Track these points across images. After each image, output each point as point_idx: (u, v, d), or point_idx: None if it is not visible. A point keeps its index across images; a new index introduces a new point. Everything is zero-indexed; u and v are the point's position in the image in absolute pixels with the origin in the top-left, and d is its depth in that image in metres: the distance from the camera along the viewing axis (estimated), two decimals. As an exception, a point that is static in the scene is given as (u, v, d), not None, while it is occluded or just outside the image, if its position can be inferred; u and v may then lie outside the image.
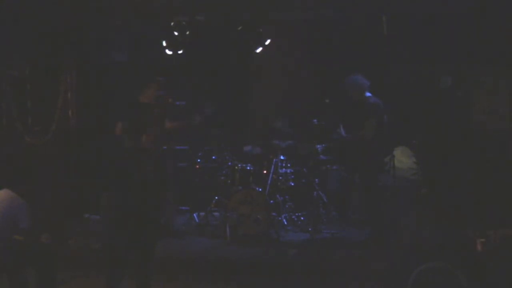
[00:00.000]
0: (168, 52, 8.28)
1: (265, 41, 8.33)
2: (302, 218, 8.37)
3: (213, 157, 8.65)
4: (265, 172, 8.34)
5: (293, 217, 8.33)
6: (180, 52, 8.31)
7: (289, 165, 8.33)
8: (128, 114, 6.77)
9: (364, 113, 7.28)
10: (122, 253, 5.48)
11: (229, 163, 8.35)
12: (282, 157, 8.30)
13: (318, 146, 8.23)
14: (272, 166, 8.26)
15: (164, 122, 6.92)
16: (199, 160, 8.76)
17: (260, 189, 7.97)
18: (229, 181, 8.28)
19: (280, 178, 8.23)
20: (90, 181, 8.02)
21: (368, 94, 7.36)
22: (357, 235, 7.76)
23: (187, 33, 8.13)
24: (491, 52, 7.69)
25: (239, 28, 8.25)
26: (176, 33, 8.10)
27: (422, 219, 6.87)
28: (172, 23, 8.11)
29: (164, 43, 8.22)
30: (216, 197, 8.45)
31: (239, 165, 8.25)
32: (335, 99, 7.80)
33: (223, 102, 9.35)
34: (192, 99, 9.24)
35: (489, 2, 7.51)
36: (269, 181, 8.17)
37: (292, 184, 8.28)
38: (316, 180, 8.22)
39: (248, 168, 8.23)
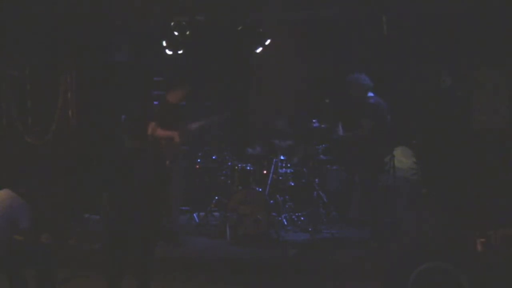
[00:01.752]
0: (168, 52, 8.28)
1: (265, 41, 8.33)
2: (302, 218, 8.36)
3: (213, 157, 8.65)
4: (265, 172, 8.33)
5: (293, 217, 8.33)
6: (180, 52, 8.31)
7: (289, 165, 8.32)
8: (157, 112, 6.92)
9: (362, 112, 7.28)
10: (122, 253, 5.48)
11: (229, 163, 8.34)
12: (282, 157, 8.30)
13: (318, 146, 8.23)
14: (272, 166, 8.26)
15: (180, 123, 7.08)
16: (199, 160, 8.76)
17: (260, 189, 7.96)
18: (229, 181, 8.28)
19: (280, 178, 8.22)
20: (90, 181, 8.02)
21: (370, 94, 7.35)
22: (357, 235, 7.76)
23: (187, 33, 8.13)
24: (491, 52, 7.69)
25: (239, 28, 8.25)
26: (176, 33, 8.10)
27: (422, 219, 6.87)
28: (172, 23, 8.11)
29: (164, 43, 8.22)
30: (216, 197, 8.44)
31: (239, 165, 8.24)
32: (335, 99, 7.80)
33: (223, 102, 9.35)
34: (192, 99, 9.26)
35: (489, 2, 7.51)
36: (269, 181, 8.16)
37: (292, 184, 8.27)
38: (316, 180, 8.22)
39: (248, 168, 8.23)
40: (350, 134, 7.45)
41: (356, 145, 7.39)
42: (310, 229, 7.90)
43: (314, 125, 8.02)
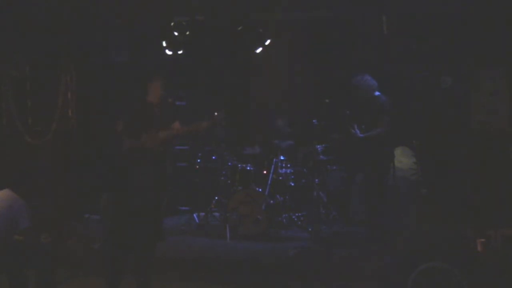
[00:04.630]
0: (168, 52, 8.28)
1: (265, 41, 8.33)
2: (302, 218, 8.36)
3: (213, 157, 8.65)
4: (265, 172, 8.33)
5: (293, 217, 8.33)
6: (180, 52, 8.30)
7: (289, 165, 8.33)
8: (132, 114, 6.72)
9: (375, 111, 7.25)
10: (122, 253, 5.48)
11: (229, 163, 8.35)
12: (282, 157, 8.30)
13: (318, 146, 8.23)
14: (272, 166, 8.26)
15: (170, 122, 6.85)
16: (199, 160, 8.76)
17: (260, 189, 7.96)
18: (229, 181, 8.28)
19: (280, 178, 8.23)
20: (90, 181, 8.02)
21: (377, 93, 7.35)
22: (357, 235, 7.76)
23: (187, 33, 8.13)
24: (491, 52, 7.70)
25: (239, 28, 8.25)
26: (176, 33, 8.10)
27: (422, 219, 6.87)
28: (172, 23, 8.11)
29: (164, 43, 8.22)
30: (216, 197, 8.44)
31: (239, 165, 8.25)
32: (335, 99, 7.80)
33: (223, 102, 9.34)
34: (192, 99, 9.26)
35: (489, 2, 7.52)
36: (269, 181, 8.17)
37: (292, 184, 8.28)
38: (316, 180, 8.22)
39: (248, 168, 8.23)
40: (369, 134, 7.35)
41: (370, 144, 7.32)
42: (310, 229, 7.89)
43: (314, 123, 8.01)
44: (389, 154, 7.36)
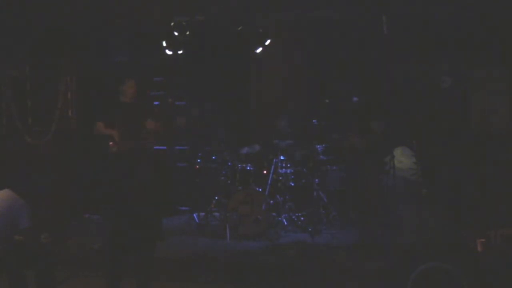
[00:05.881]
0: (168, 52, 8.28)
1: (265, 41, 8.33)
2: (302, 218, 8.36)
3: (213, 157, 8.65)
4: (265, 172, 8.33)
5: (293, 217, 8.32)
6: (180, 52, 8.31)
7: (289, 165, 8.32)
8: (113, 115, 6.67)
9: (361, 118, 7.27)
10: (122, 253, 5.48)
11: (229, 163, 8.35)
12: (282, 157, 8.30)
13: (318, 146, 8.22)
14: (272, 166, 8.26)
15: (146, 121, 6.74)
16: (199, 160, 8.76)
17: (260, 189, 7.96)
18: (229, 181, 8.28)
19: (280, 178, 8.23)
20: (90, 181, 8.02)
21: (355, 98, 7.39)
22: (357, 235, 7.75)
23: (187, 33, 8.13)
24: (491, 52, 7.70)
25: (239, 28, 8.25)
26: (176, 33, 8.10)
27: (422, 220, 6.87)
28: (172, 23, 8.11)
29: (164, 43, 8.22)
30: (216, 197, 8.44)
31: (239, 165, 8.25)
32: (335, 99, 7.80)
33: (223, 102, 9.35)
34: (192, 99, 9.27)
35: (489, 2, 7.53)
36: (269, 181, 8.16)
37: (292, 184, 8.28)
38: (316, 180, 8.21)
39: (248, 168, 8.23)
40: (364, 140, 7.37)
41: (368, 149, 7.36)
42: (310, 229, 7.89)
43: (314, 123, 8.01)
44: (388, 154, 7.36)
